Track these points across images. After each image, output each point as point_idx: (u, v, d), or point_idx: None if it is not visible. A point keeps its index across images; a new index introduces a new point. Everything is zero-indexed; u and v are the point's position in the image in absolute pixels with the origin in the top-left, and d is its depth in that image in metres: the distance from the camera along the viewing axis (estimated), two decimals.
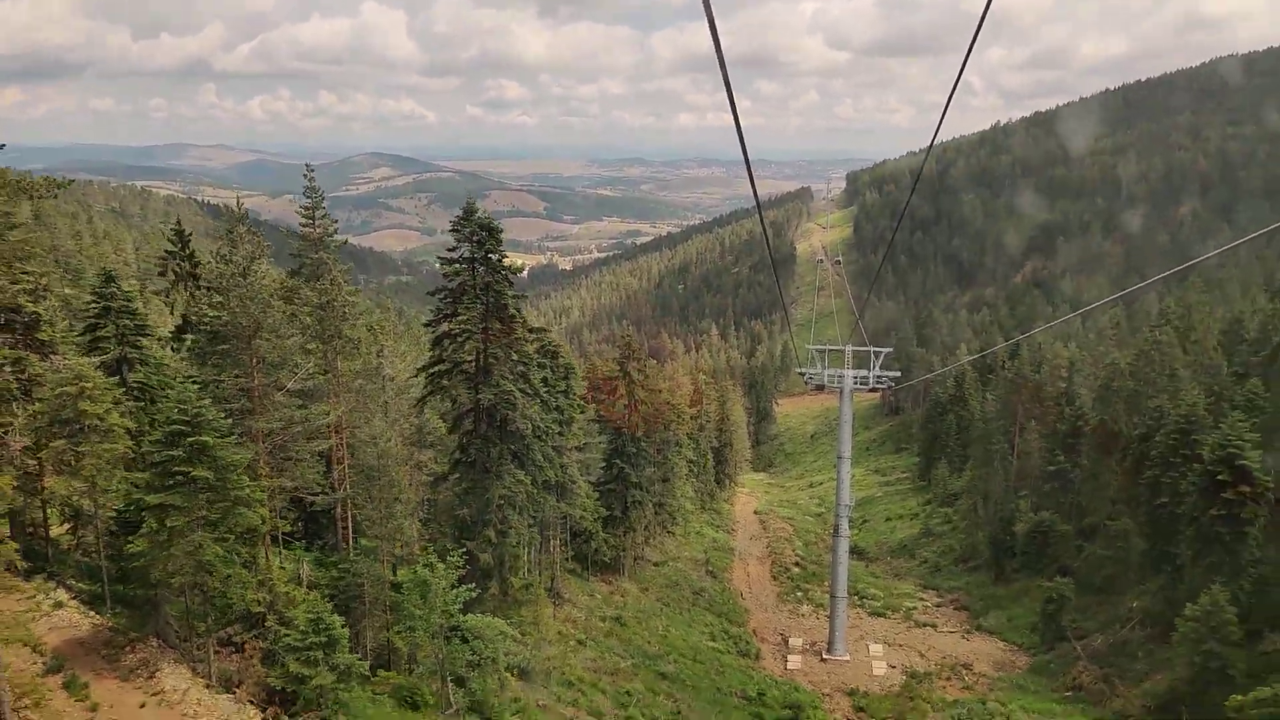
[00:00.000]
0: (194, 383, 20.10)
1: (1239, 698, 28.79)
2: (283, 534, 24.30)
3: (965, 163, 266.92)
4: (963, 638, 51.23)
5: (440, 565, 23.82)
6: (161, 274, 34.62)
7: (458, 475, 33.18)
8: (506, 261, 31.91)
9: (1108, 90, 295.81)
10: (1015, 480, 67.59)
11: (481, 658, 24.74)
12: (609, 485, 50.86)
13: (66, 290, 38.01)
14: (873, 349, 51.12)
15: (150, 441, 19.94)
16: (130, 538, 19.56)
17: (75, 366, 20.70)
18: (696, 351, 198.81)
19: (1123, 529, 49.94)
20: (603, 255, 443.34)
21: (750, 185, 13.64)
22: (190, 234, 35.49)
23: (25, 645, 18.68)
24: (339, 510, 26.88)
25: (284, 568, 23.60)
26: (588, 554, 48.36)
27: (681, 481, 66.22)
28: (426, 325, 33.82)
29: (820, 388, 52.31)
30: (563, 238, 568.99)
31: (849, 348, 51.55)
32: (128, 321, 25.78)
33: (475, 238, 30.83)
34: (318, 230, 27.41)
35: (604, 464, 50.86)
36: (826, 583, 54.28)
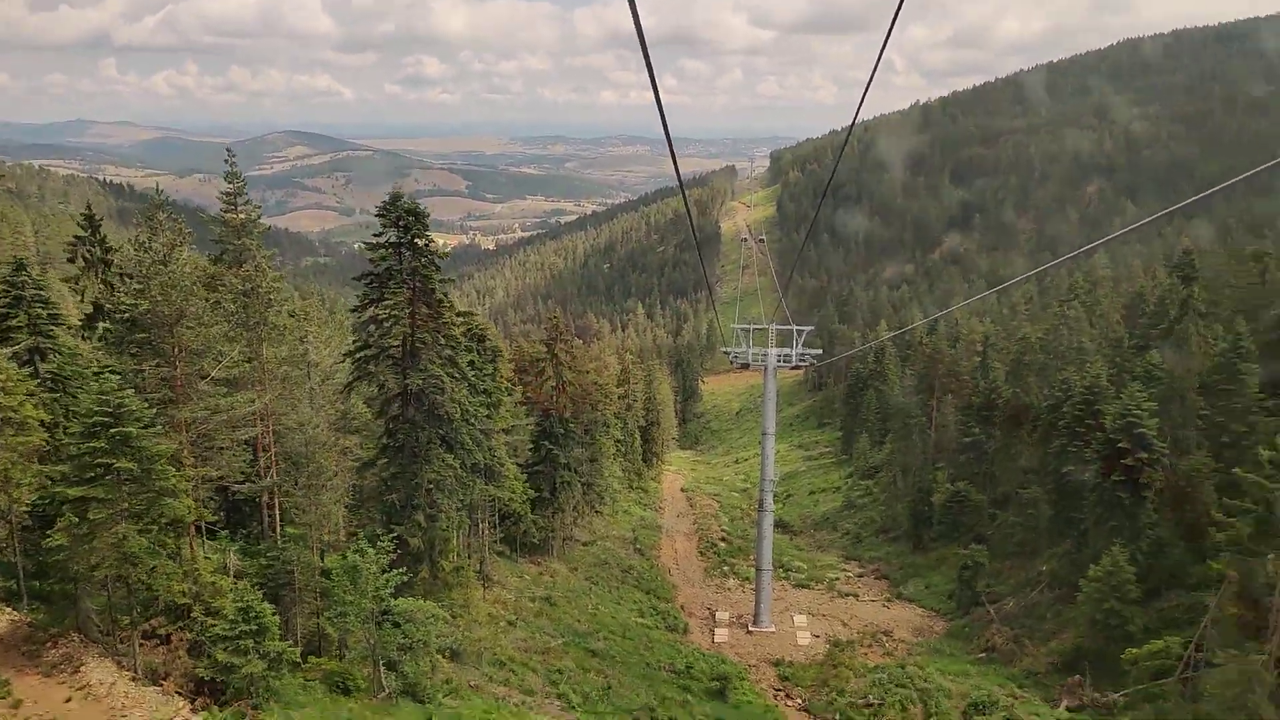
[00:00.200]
0: (114, 373, 19.53)
1: (1134, 651, 30.57)
2: (207, 524, 23.83)
3: (886, 141, 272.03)
4: (883, 606, 52.92)
5: (371, 550, 23.75)
6: (71, 260, 33.25)
7: (385, 460, 32.93)
8: (433, 246, 31.60)
9: (1023, 70, 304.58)
10: (933, 452, 69.79)
11: (413, 641, 24.80)
12: (537, 467, 50.91)
13: None
14: (795, 327, 52.06)
15: (69, 433, 19.44)
16: (48, 532, 19.07)
17: None
18: (623, 331, 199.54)
19: (1033, 497, 52.05)
20: (527, 234, 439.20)
21: (673, 164, 13.45)
22: (101, 219, 34.09)
23: None
24: (265, 498, 26.47)
25: (209, 558, 23.23)
26: (516, 536, 48.41)
27: (609, 461, 66.64)
28: (353, 310, 33.34)
29: (745, 366, 53.12)
30: (486, 217, 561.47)
31: (773, 326, 52.43)
32: (40, 310, 24.87)
33: (401, 222, 30.49)
34: (240, 216, 26.70)
35: (532, 446, 50.88)
36: (752, 557, 55.39)
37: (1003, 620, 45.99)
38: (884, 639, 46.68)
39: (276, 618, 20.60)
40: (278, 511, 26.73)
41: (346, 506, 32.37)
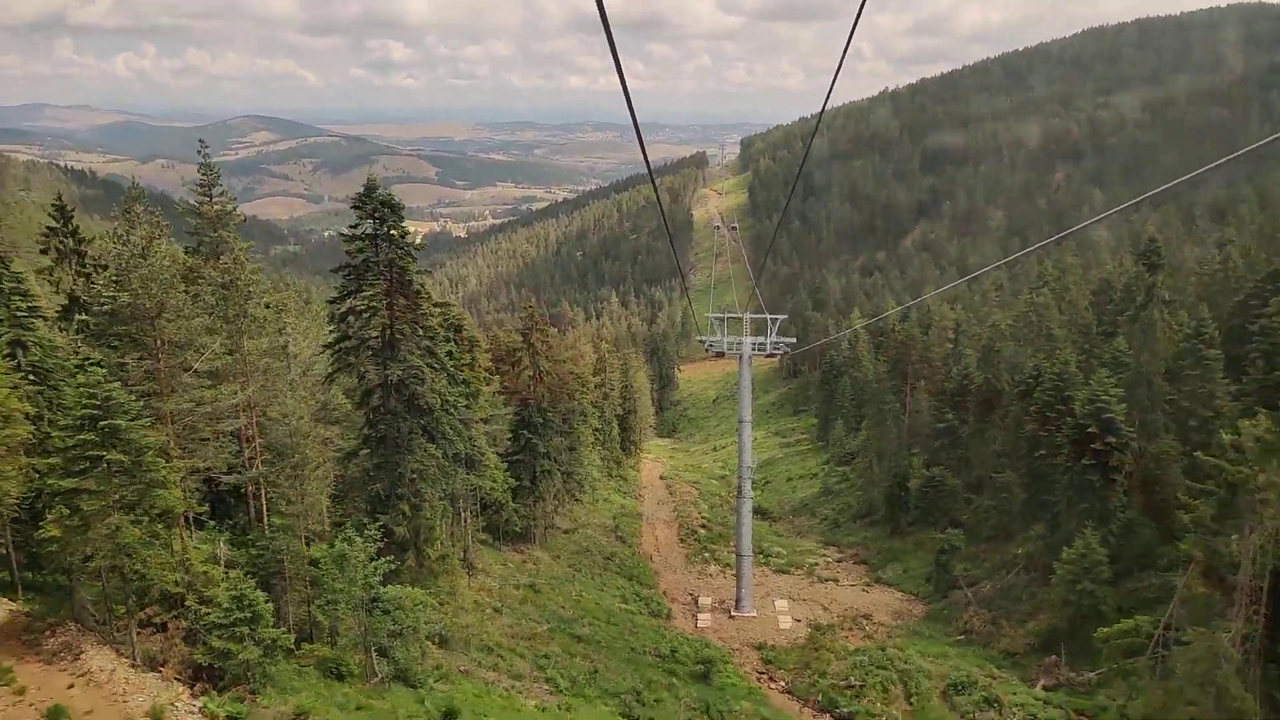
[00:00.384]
0: (99, 366, 19.53)
1: (1105, 630, 31.45)
2: (195, 515, 23.90)
3: (855, 128, 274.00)
4: (863, 590, 53.75)
5: (358, 539, 23.98)
6: (44, 251, 32.91)
7: (368, 450, 33.03)
8: (409, 238, 31.65)
9: (988, 59, 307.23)
10: (907, 438, 70.78)
11: (403, 628, 25.08)
12: (517, 456, 51.09)
13: None
14: (769, 316, 52.52)
15: (60, 426, 19.47)
16: (40, 524, 19.14)
17: None
18: (597, 319, 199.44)
19: (1006, 481, 53.05)
20: (498, 221, 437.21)
21: (642, 154, 13.08)
22: (74, 210, 33.75)
23: None
24: (250, 489, 26.52)
25: (199, 548, 23.31)
26: (499, 525, 48.63)
27: (588, 450, 66.93)
28: (331, 302, 33.33)
29: (721, 355, 53.51)
30: (456, 204, 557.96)
31: (747, 315, 52.84)
32: (20, 303, 24.70)
33: (377, 214, 30.53)
34: (215, 207, 26.59)
35: (511, 435, 51.06)
36: (732, 543, 55.98)
37: (980, 603, 46.93)
38: (864, 622, 47.46)
39: (270, 605, 20.80)
40: (264, 502, 26.79)
41: (330, 497, 32.44)
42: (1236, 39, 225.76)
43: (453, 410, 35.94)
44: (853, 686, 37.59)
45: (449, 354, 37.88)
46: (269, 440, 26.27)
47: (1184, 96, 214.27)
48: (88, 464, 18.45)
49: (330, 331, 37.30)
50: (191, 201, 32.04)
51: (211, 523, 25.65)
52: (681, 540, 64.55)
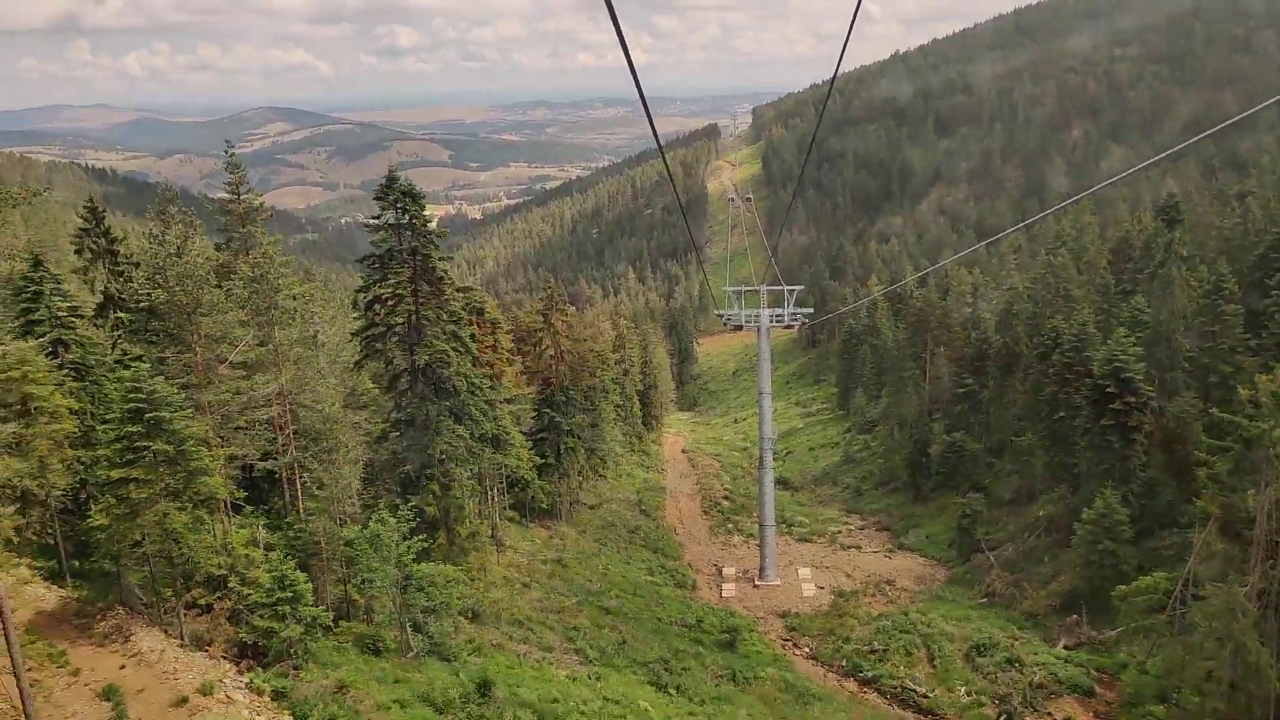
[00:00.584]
0: (142, 361, 20.39)
1: (1124, 588, 31.86)
2: (233, 501, 24.81)
3: (868, 93, 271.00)
4: (885, 556, 54.32)
5: (392, 519, 24.79)
6: (78, 251, 33.76)
7: (398, 434, 33.88)
8: (431, 226, 32.29)
9: (1001, 15, 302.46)
10: (928, 404, 70.95)
11: (436, 604, 25.94)
12: (541, 434, 51.87)
13: None
14: (786, 287, 52.82)
15: (107, 419, 20.39)
16: (88, 513, 20.10)
17: (16, 351, 20.81)
18: (615, 296, 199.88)
19: (1027, 444, 53.25)
20: (513, 202, 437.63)
21: (651, 128, 12.98)
22: (104, 210, 34.56)
23: None
24: (285, 474, 27.40)
25: (240, 531, 24.22)
26: (525, 502, 49.52)
27: (610, 426, 67.64)
28: (358, 291, 34.18)
29: (739, 328, 53.95)
30: (470, 186, 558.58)
31: (764, 287, 53.18)
32: (60, 303, 25.59)
33: (399, 204, 31.19)
34: (243, 205, 27.34)
35: (534, 414, 51.77)
36: (755, 514, 56.66)
37: (1002, 566, 47.37)
38: (887, 588, 48.06)
39: (309, 585, 21.68)
40: (299, 486, 27.65)
41: (360, 479, 33.35)
42: None
43: (478, 392, 36.72)
44: (876, 651, 38.33)
45: (472, 336, 38.61)
46: (302, 426, 27.10)
47: (1201, 46, 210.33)
48: (135, 454, 19.31)
49: (355, 318, 38.13)
50: (218, 197, 32.88)
51: (250, 508, 26.57)
52: (705, 512, 65.32)
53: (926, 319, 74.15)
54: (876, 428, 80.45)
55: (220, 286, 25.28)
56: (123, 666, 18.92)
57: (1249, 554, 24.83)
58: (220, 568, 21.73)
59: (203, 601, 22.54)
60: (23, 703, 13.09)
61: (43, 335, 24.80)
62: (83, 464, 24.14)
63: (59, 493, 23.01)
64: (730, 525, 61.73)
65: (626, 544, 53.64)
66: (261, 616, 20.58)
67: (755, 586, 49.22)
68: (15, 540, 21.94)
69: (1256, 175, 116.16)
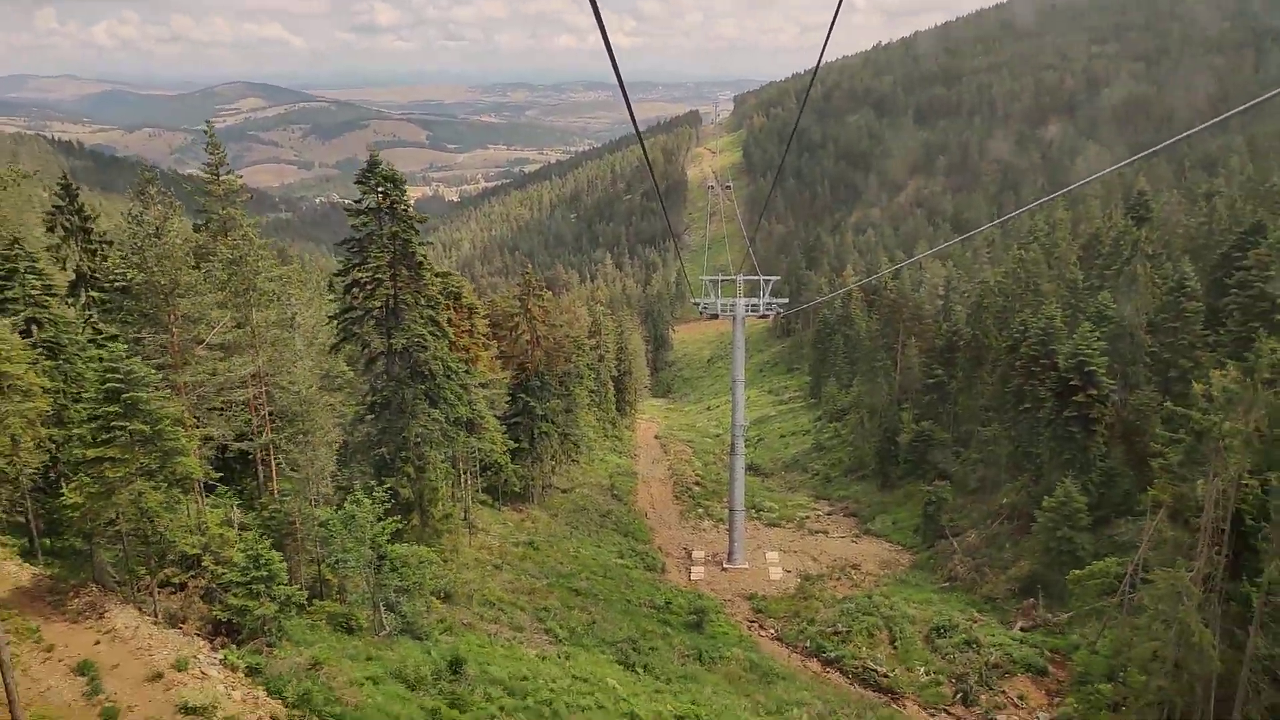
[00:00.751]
0: (118, 341, 20.60)
1: (1077, 573, 32.96)
2: (206, 481, 25.06)
3: (849, 84, 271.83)
4: (852, 541, 55.33)
5: (367, 501, 25.17)
6: (50, 229, 33.68)
7: (373, 416, 34.19)
8: (412, 212, 32.57)
9: (982, 9, 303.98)
10: (898, 394, 72.01)
11: (409, 584, 26.40)
12: (515, 419, 52.28)
13: None
14: (762, 277, 53.48)
15: (80, 398, 20.60)
16: (62, 491, 20.33)
17: None
18: (591, 282, 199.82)
19: (993, 434, 54.36)
20: (490, 185, 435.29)
21: (629, 115, 12.69)
22: (78, 187, 34.49)
23: None
24: (259, 455, 27.68)
25: (214, 511, 24.51)
26: (498, 485, 49.95)
27: (584, 411, 68.18)
28: (336, 274, 34.37)
29: (715, 316, 54.55)
30: (447, 167, 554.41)
31: (740, 277, 53.80)
32: (34, 281, 25.65)
33: (380, 188, 31.44)
34: (222, 186, 27.48)
35: (509, 399, 52.17)
36: (725, 499, 57.45)
37: (965, 551, 48.45)
38: (852, 572, 49.01)
39: (284, 564, 22.05)
40: (273, 467, 27.95)
41: (335, 461, 33.65)
42: None
43: (454, 376, 37.10)
44: (840, 632, 39.25)
45: (449, 321, 38.95)
46: (278, 408, 27.37)
47: (1177, 46, 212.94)
48: (111, 434, 19.55)
49: (331, 300, 38.33)
50: (189, 174, 32.92)
51: (224, 488, 26.83)
52: (676, 497, 66.07)
53: (899, 310, 75.15)
54: (847, 416, 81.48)
55: (198, 268, 25.46)
56: (97, 643, 19.24)
57: (1197, 540, 25.79)
58: (194, 547, 22.04)
59: (176, 580, 22.84)
60: (3, 675, 13.43)
61: (16, 314, 24.89)
62: (54, 443, 24.35)
63: (31, 471, 23.17)
64: (701, 510, 62.51)
65: (598, 528, 54.26)
66: (235, 595, 20.95)
67: (723, 569, 50.03)
68: None
69: (1225, 175, 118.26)
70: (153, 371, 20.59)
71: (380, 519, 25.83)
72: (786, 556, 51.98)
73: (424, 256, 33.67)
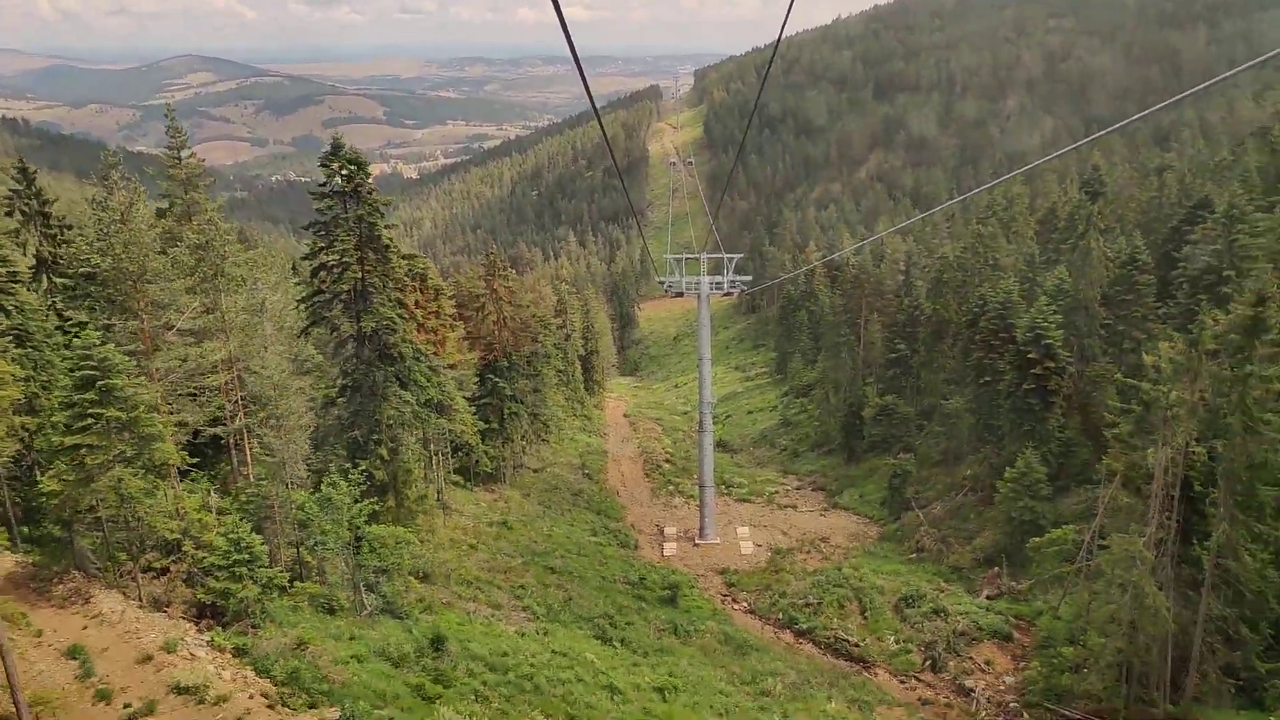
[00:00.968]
0: (90, 329, 20.57)
1: (1037, 541, 34.14)
2: (180, 466, 25.11)
3: (809, 59, 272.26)
4: (820, 515, 56.39)
5: (344, 483, 25.40)
6: (9, 214, 33.15)
7: (345, 399, 34.27)
8: (376, 195, 32.55)
9: None
10: (862, 369, 73.19)
11: (387, 564, 26.74)
12: (484, 400, 52.44)
13: None
14: (725, 255, 53.98)
15: (48, 385, 20.56)
16: (40, 478, 20.37)
17: None
18: (555, 260, 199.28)
19: (955, 407, 55.54)
20: (450, 161, 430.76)
21: (586, 90, 12.50)
22: (35, 171, 33.91)
23: None
24: (232, 440, 27.72)
25: (191, 496, 24.60)
26: (469, 466, 50.19)
27: (552, 391, 68.41)
28: (304, 258, 34.30)
29: (680, 294, 54.98)
30: (406, 144, 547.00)
31: (704, 255, 54.28)
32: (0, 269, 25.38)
33: (344, 171, 31.36)
34: (184, 171, 27.29)
35: (478, 380, 52.29)
36: (695, 476, 58.20)
37: (931, 523, 49.65)
38: (822, 545, 50.01)
39: (264, 547, 22.27)
40: (247, 452, 28.01)
41: (310, 444, 33.72)
42: None
43: (423, 358, 37.24)
44: (811, 604, 40.20)
45: (415, 303, 39.01)
46: (250, 393, 27.41)
47: (1133, 20, 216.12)
48: (88, 421, 19.58)
49: (297, 284, 38.15)
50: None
51: (200, 473, 26.88)
52: (646, 475, 66.74)
53: (861, 286, 76.19)
54: (813, 391, 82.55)
55: (165, 253, 25.34)
56: (85, 627, 19.40)
57: (1149, 507, 26.88)
58: (174, 532, 22.18)
59: (158, 565, 22.97)
60: (3, 659, 13.61)
61: None
62: (27, 430, 24.25)
63: (5, 459, 23.12)
64: (671, 487, 63.23)
65: (570, 506, 54.76)
66: (218, 578, 21.14)
67: (695, 545, 50.82)
68: None
69: (1177, 149, 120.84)
70: (126, 358, 20.61)
71: (357, 500, 26.14)
72: (757, 531, 52.90)
73: (390, 240, 33.70)
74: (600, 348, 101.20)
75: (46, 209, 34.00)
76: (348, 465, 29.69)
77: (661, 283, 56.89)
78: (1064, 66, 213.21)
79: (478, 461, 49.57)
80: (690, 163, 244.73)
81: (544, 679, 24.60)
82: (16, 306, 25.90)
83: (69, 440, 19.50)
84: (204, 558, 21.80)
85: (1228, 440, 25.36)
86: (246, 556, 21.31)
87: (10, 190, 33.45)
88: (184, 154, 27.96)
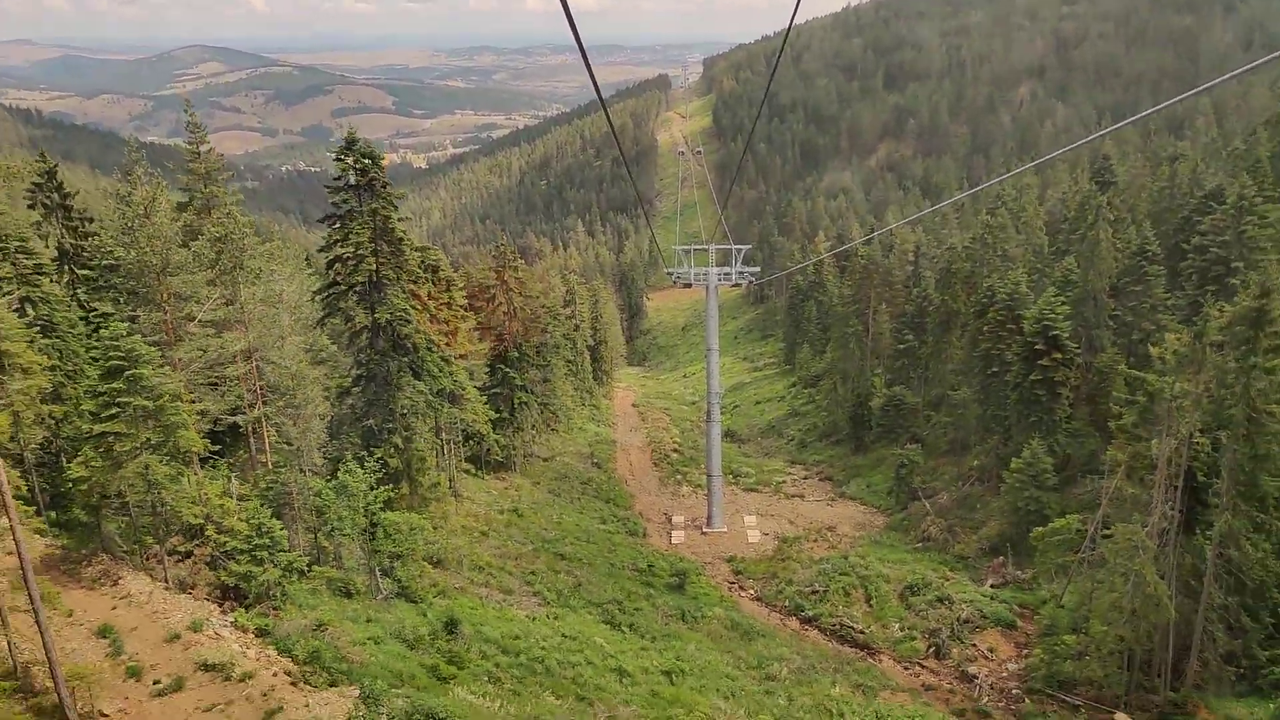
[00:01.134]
0: (117, 320, 21.18)
1: (1040, 530, 34.52)
2: (201, 454, 25.71)
3: (819, 47, 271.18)
4: (827, 505, 56.84)
5: (360, 470, 26.00)
6: (31, 206, 33.82)
7: (359, 389, 34.86)
8: (390, 189, 33.06)
9: None
10: (870, 359, 73.52)
11: (402, 550, 27.36)
12: (495, 390, 53.01)
13: None
14: (734, 246, 54.31)
15: (72, 374, 21.19)
16: (68, 465, 21.04)
17: None
18: (564, 249, 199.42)
19: (962, 398, 55.86)
20: (459, 151, 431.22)
21: (591, 79, 12.57)
22: (56, 165, 34.56)
23: None
24: (249, 428, 28.33)
25: (212, 483, 25.22)
26: (480, 455, 50.77)
27: (562, 381, 68.96)
28: (320, 250, 34.85)
29: (688, 285, 55.34)
30: (415, 134, 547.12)
31: (712, 246, 54.56)
32: (25, 261, 25.98)
33: (359, 165, 31.83)
34: (204, 166, 27.84)
35: (488, 370, 52.84)
36: (703, 465, 58.68)
37: (937, 512, 50.04)
38: (828, 534, 50.46)
39: (284, 532, 22.91)
40: (265, 440, 28.61)
41: (325, 433, 34.33)
42: None
43: (435, 348, 37.80)
44: (817, 592, 40.70)
45: (429, 294, 39.57)
46: (268, 382, 28.01)
47: (1146, 5, 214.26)
48: (116, 409, 20.18)
49: (310, 274, 38.72)
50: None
51: (222, 460, 27.52)
52: (655, 464, 67.26)
53: (870, 277, 76.40)
54: (821, 382, 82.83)
55: (187, 246, 25.93)
56: (114, 608, 20.06)
57: (1152, 497, 27.26)
58: (197, 517, 22.80)
59: (182, 549, 23.64)
60: (42, 636, 14.21)
61: (9, 293, 25.27)
62: (54, 419, 24.92)
63: (34, 446, 23.81)
64: (679, 476, 63.75)
65: (579, 494, 55.35)
66: (240, 561, 21.80)
67: (703, 533, 51.34)
68: None
69: (1191, 137, 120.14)
70: (153, 349, 21.21)
71: (373, 487, 26.75)
72: (764, 520, 53.39)
73: (404, 232, 34.21)
74: (609, 338, 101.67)
75: (68, 202, 34.67)
76: (363, 453, 30.28)
77: (670, 273, 57.25)
78: (1077, 53, 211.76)
79: (489, 450, 50.16)
80: (699, 152, 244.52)
81: (554, 661, 25.21)
82: (42, 298, 26.52)
83: (98, 428, 20.11)
84: (226, 542, 22.43)
85: (1231, 431, 25.71)
86: (268, 541, 21.94)
87: (32, 183, 34.12)
88: (204, 149, 28.51)
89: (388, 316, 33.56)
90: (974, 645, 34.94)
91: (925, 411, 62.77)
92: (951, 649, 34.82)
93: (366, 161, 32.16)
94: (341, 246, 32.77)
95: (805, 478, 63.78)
